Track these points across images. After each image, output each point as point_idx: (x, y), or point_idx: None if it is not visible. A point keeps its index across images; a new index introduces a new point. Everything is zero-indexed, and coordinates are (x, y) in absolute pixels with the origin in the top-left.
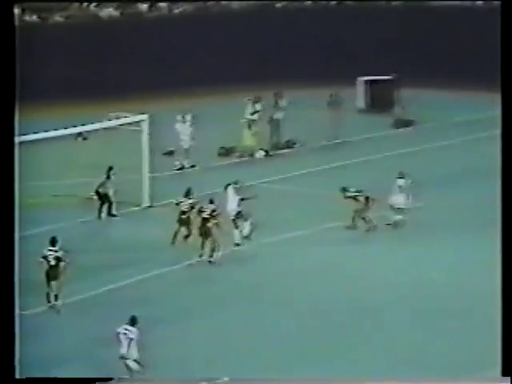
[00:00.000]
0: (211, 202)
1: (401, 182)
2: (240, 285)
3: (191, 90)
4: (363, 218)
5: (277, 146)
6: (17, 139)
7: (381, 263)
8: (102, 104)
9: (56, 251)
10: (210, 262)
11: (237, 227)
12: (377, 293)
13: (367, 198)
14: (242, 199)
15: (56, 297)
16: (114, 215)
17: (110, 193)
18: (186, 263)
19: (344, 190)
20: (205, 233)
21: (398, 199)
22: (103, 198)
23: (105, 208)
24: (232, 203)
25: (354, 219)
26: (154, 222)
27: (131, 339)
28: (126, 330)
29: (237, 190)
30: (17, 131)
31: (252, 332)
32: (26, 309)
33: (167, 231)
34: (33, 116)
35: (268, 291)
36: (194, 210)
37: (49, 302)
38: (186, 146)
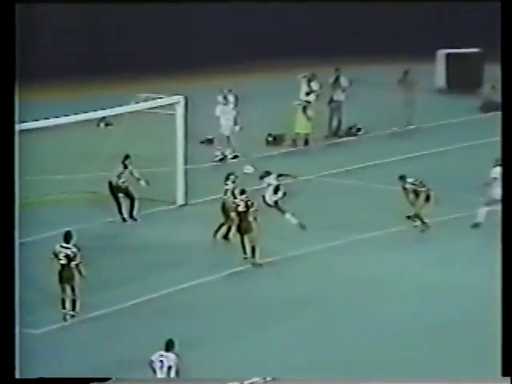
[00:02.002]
0: (242, 192)
1: (496, 171)
2: (288, 294)
3: (234, 66)
4: (417, 216)
5: (337, 133)
6: (17, 127)
7: (464, 272)
8: (127, 84)
9: (68, 248)
10: (253, 264)
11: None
12: (459, 306)
13: (427, 193)
14: (280, 175)
15: (73, 304)
16: (134, 219)
17: (130, 188)
18: (229, 271)
19: (403, 179)
20: (244, 229)
21: (495, 191)
22: (120, 193)
23: (125, 207)
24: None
25: (416, 217)
26: (190, 223)
27: (169, 367)
28: (162, 356)
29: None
30: (17, 117)
31: (309, 351)
32: (34, 323)
33: (206, 234)
34: (38, 98)
35: (319, 304)
36: (230, 201)
37: (63, 308)
38: (227, 133)
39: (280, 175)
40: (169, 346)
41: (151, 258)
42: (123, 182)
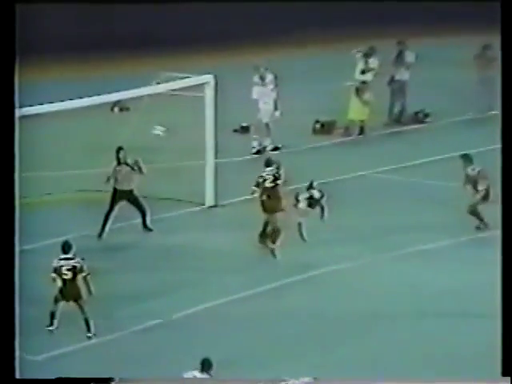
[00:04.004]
0: (268, 163)
1: None
2: (345, 309)
3: (272, 39)
4: (475, 211)
5: (399, 120)
6: (17, 112)
7: None
8: (145, 61)
9: (71, 259)
10: (272, 252)
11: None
12: None
13: (487, 188)
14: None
15: (87, 324)
16: (148, 228)
17: (133, 186)
18: (270, 285)
19: (468, 160)
20: (272, 208)
21: None
22: (119, 196)
23: (130, 211)
24: None
25: (472, 212)
26: (222, 228)
27: None
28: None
29: None
30: (17, 101)
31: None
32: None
33: (241, 241)
34: (38, 78)
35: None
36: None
37: (51, 324)
38: (266, 120)
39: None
40: (204, 365)
41: (174, 269)
42: (125, 182)
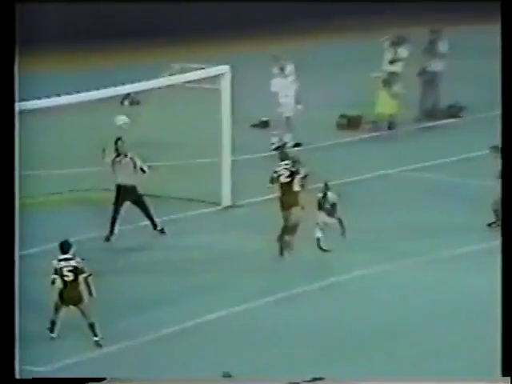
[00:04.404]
0: (283, 157)
1: None
2: (366, 321)
3: (293, 27)
4: (498, 208)
5: (431, 114)
6: (17, 106)
7: None
8: (156, 51)
9: (71, 259)
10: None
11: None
12: None
13: None
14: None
15: (92, 328)
16: (160, 229)
17: (135, 181)
18: (289, 292)
19: (497, 151)
20: (288, 204)
21: None
22: (123, 194)
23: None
24: None
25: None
26: (239, 229)
27: None
28: None
29: None
30: (17, 95)
31: None
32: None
33: (260, 243)
34: (39, 69)
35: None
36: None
37: (52, 333)
38: (287, 114)
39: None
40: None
41: (188, 274)
42: (126, 176)
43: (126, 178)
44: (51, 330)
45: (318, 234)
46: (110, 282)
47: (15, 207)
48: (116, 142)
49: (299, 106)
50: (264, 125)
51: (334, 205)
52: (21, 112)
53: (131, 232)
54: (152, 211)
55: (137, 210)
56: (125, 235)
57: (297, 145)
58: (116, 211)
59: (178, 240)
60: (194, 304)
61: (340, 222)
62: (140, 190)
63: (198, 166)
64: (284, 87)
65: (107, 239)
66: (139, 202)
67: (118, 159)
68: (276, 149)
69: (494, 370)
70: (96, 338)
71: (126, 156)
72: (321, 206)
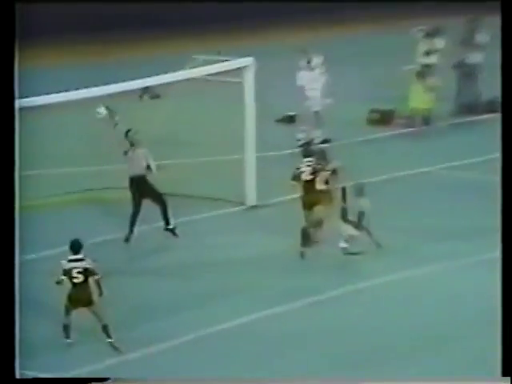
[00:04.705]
0: (306, 154)
1: None
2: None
3: (320, 17)
4: None
5: (470, 109)
6: (17, 103)
7: None
8: (175, 42)
9: (81, 260)
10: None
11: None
12: None
13: None
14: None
15: (106, 330)
16: (171, 229)
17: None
18: (316, 298)
19: None
20: (310, 203)
21: None
22: (135, 186)
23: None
24: None
25: None
26: (264, 231)
27: None
28: None
29: None
30: (17, 91)
31: None
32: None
33: (287, 245)
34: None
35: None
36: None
37: (67, 338)
38: (315, 108)
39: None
40: None
41: (210, 278)
42: (138, 167)
43: (137, 170)
44: (66, 335)
45: (344, 245)
46: (130, 284)
47: (15, 209)
48: (126, 134)
49: (329, 100)
50: (290, 120)
51: (361, 214)
52: (26, 108)
53: (151, 232)
54: (169, 209)
55: (157, 211)
56: (144, 236)
57: (325, 141)
58: (136, 210)
59: (201, 241)
60: (219, 307)
61: (368, 233)
62: (160, 189)
63: (220, 164)
64: (311, 80)
65: (126, 240)
66: (155, 194)
67: (129, 151)
68: (303, 145)
69: (493, 370)
70: (110, 340)
71: (136, 148)
72: (345, 217)
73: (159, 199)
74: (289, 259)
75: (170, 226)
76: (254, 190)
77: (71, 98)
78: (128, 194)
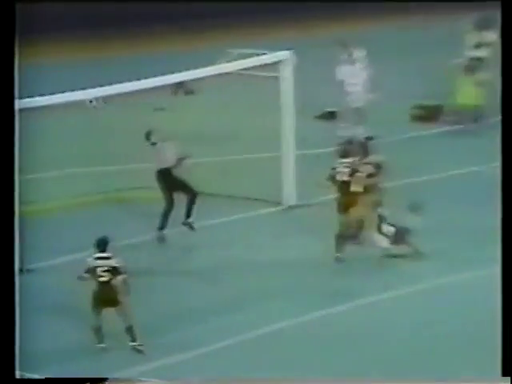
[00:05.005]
0: (344, 154)
1: None
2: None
3: (361, 8)
4: None
5: None
6: (17, 104)
7: None
8: (211, 36)
9: (108, 258)
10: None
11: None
12: None
13: None
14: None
15: (130, 331)
16: (189, 223)
17: (170, 163)
18: (357, 302)
19: None
20: (345, 206)
21: None
22: (163, 180)
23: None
24: None
25: None
26: (302, 232)
27: None
28: None
29: None
30: (17, 90)
31: None
32: None
33: (326, 247)
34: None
35: None
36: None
37: (100, 343)
38: (357, 104)
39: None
40: None
41: (244, 281)
42: (162, 160)
43: (165, 163)
44: (98, 340)
45: (383, 246)
46: (162, 286)
47: (14, 214)
48: (148, 137)
49: (371, 96)
50: (330, 116)
51: (405, 229)
52: (44, 107)
53: (185, 233)
54: (195, 203)
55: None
56: (178, 237)
57: (368, 138)
58: (168, 205)
59: (232, 243)
60: (254, 311)
61: (412, 248)
62: (194, 187)
63: (256, 162)
64: (352, 75)
65: (160, 239)
66: (184, 186)
67: (155, 145)
68: (344, 143)
69: (494, 370)
70: (134, 343)
71: (164, 141)
72: (380, 228)
73: (188, 191)
74: (327, 262)
75: (189, 220)
76: (292, 189)
77: (100, 95)
78: (154, 195)
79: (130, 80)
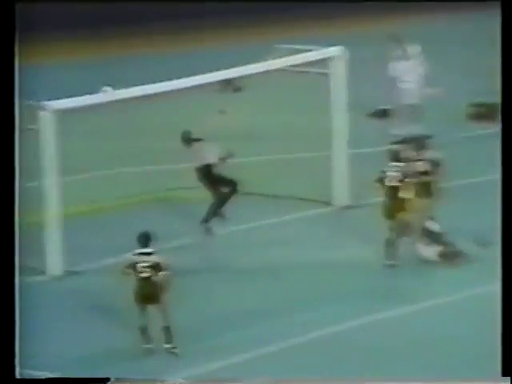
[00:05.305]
0: (395, 157)
1: None
2: None
3: (412, 3)
4: None
5: None
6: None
7: None
8: (258, 31)
9: (150, 253)
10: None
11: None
12: None
13: None
14: None
15: (167, 332)
16: (220, 214)
17: (208, 160)
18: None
19: None
20: (393, 210)
21: None
22: (202, 176)
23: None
24: None
25: None
26: (356, 234)
27: None
28: None
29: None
30: (17, 89)
31: None
32: None
33: (376, 250)
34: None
35: None
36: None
37: (147, 343)
38: (411, 101)
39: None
40: None
41: (292, 283)
42: (200, 158)
43: (204, 160)
44: (144, 340)
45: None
46: (211, 286)
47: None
48: (186, 138)
49: (429, 92)
50: (383, 114)
51: (459, 252)
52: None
53: (236, 233)
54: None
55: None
56: (229, 236)
57: (424, 137)
58: (217, 201)
59: (285, 243)
60: (304, 314)
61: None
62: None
63: (305, 161)
64: (406, 71)
65: (207, 230)
66: (224, 182)
67: (194, 143)
68: (400, 142)
69: (493, 370)
70: (168, 346)
71: (199, 140)
72: (426, 240)
73: (229, 186)
74: (378, 265)
75: (209, 223)
76: (344, 189)
77: (148, 92)
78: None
79: (170, 78)
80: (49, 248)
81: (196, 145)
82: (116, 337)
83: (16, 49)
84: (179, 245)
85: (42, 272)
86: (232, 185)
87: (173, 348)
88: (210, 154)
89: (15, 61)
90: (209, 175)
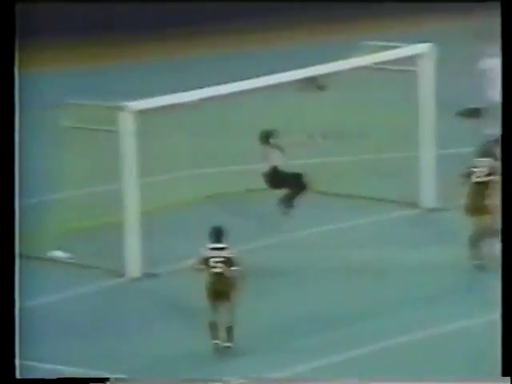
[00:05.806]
0: (484, 153)
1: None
2: None
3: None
4: None
5: None
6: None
7: None
8: (343, 28)
9: (223, 249)
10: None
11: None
12: None
13: None
14: None
15: (230, 331)
16: (290, 204)
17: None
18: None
19: None
20: (474, 209)
21: None
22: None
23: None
24: None
25: None
26: (444, 237)
27: None
28: None
29: None
30: (17, 93)
31: None
32: None
33: (462, 254)
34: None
35: None
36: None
37: (215, 339)
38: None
39: None
40: None
41: (375, 286)
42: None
43: (273, 162)
44: (212, 335)
45: None
46: (286, 287)
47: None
48: (266, 135)
49: None
50: (473, 113)
51: None
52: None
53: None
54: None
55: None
56: (308, 236)
57: None
58: (290, 192)
59: (370, 245)
60: (396, 317)
61: None
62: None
63: (391, 161)
64: (497, 68)
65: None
66: (293, 181)
67: (267, 146)
68: (489, 142)
69: (494, 370)
70: (228, 344)
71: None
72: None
73: (297, 184)
74: (467, 268)
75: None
76: (432, 191)
77: (221, 93)
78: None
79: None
80: (127, 250)
81: (271, 146)
82: (192, 338)
83: (16, 49)
84: (263, 245)
85: (121, 275)
86: (299, 182)
87: (228, 347)
88: (277, 157)
89: (15, 61)
90: (277, 177)
